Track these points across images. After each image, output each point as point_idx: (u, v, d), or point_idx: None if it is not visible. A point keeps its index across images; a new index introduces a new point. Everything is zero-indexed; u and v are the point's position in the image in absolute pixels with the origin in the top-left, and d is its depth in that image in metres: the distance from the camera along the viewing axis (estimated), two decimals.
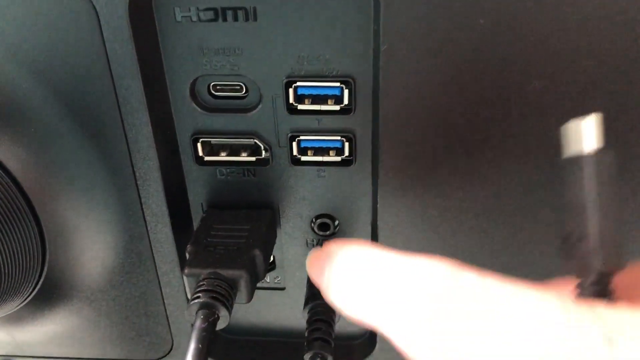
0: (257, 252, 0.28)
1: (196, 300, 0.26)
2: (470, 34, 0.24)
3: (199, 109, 0.29)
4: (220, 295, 0.26)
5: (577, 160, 0.19)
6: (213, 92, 0.28)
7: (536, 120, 0.26)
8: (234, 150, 0.30)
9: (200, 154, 0.30)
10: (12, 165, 0.28)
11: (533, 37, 0.24)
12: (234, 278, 0.27)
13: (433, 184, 0.29)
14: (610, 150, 0.19)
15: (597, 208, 0.19)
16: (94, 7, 0.25)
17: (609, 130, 0.19)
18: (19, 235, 0.29)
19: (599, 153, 0.19)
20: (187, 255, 0.29)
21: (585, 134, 0.19)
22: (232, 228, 0.30)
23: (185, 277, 0.28)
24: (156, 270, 0.32)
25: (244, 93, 0.28)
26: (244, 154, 0.30)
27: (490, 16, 0.24)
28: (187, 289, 0.28)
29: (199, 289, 0.27)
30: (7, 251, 0.29)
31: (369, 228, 0.32)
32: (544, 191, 0.28)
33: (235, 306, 0.27)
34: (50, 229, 0.30)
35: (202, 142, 0.30)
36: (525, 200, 0.28)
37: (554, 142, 0.21)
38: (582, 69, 0.25)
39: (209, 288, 0.26)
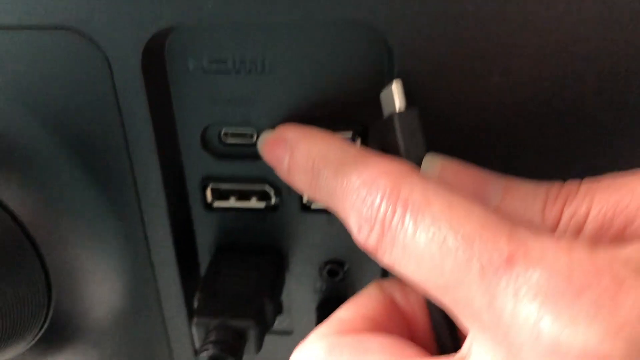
0: (266, 300, 0.28)
1: (205, 353, 0.26)
2: (482, 91, 0.24)
3: (208, 156, 0.28)
4: (230, 346, 0.26)
5: (391, 119, 0.23)
6: (223, 139, 0.28)
7: None
8: (243, 195, 0.30)
9: (209, 199, 0.30)
10: (18, 209, 0.28)
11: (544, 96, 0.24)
12: (244, 329, 0.27)
13: None
14: (414, 108, 0.23)
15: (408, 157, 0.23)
16: (106, 57, 0.25)
17: None
18: (25, 280, 0.29)
19: (406, 110, 0.23)
20: (196, 303, 0.28)
21: (395, 97, 0.23)
22: (241, 274, 0.30)
23: (193, 327, 0.27)
24: (163, 315, 0.32)
25: (255, 140, 0.28)
26: (253, 200, 0.30)
27: (507, 73, 0.24)
28: (195, 338, 0.28)
29: (208, 340, 0.26)
30: (12, 296, 0.28)
31: (379, 273, 0.32)
32: None
33: None
34: (57, 273, 0.30)
35: (212, 188, 0.29)
36: None
37: None
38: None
39: (218, 339, 0.26)
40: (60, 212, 0.29)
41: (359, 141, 0.27)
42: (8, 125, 0.27)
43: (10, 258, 0.28)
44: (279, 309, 0.34)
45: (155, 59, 0.26)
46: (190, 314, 0.32)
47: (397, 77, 0.24)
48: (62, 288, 0.30)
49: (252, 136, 0.28)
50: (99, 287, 0.31)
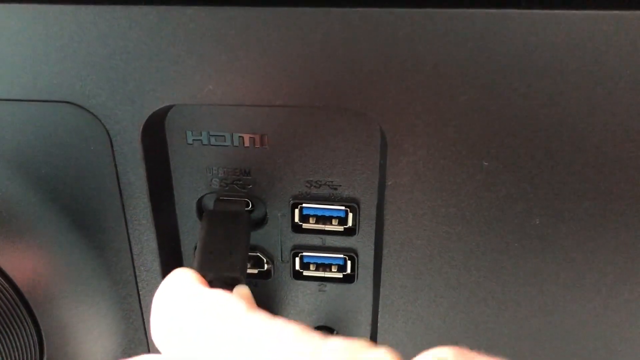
0: None
1: None
2: (475, 175, 0.25)
3: None
4: None
5: None
6: None
7: (537, 258, 0.27)
8: None
9: None
10: (13, 272, 0.29)
11: (537, 180, 0.25)
12: None
13: (434, 303, 0.29)
14: None
15: None
16: (107, 131, 0.26)
17: None
18: (18, 341, 0.29)
19: None
20: None
21: None
22: None
23: None
24: None
25: (250, 208, 0.29)
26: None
27: (493, 159, 0.25)
28: None
29: None
30: (5, 356, 0.28)
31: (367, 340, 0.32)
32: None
33: None
34: (50, 334, 0.30)
35: None
36: (525, 320, 0.29)
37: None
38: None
39: None
40: (55, 275, 0.29)
41: (350, 215, 0.28)
42: (8, 192, 0.27)
43: (3, 319, 0.28)
44: None
45: (155, 133, 0.26)
46: None
47: (390, 166, 0.25)
48: (54, 348, 0.30)
49: (248, 205, 0.29)
50: (92, 347, 0.31)
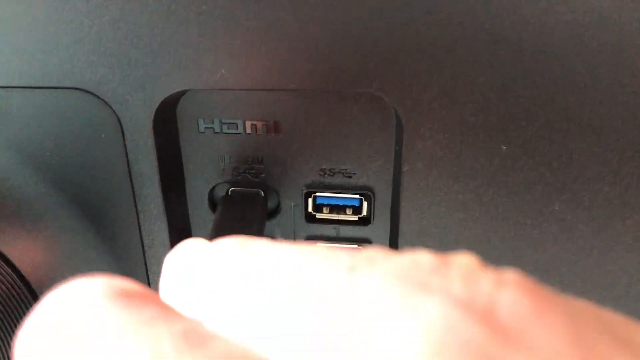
0: None
1: None
2: (493, 160, 0.24)
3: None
4: None
5: None
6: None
7: (557, 245, 0.26)
8: None
9: None
10: (24, 266, 0.28)
11: (556, 164, 0.24)
12: None
13: None
14: None
15: None
16: (118, 118, 0.25)
17: None
18: None
19: None
20: None
21: None
22: None
23: None
24: None
25: (263, 198, 0.28)
26: None
27: (512, 143, 0.24)
28: None
29: None
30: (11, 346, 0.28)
31: None
32: None
33: None
34: None
35: None
36: None
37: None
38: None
39: None
40: (64, 266, 0.29)
41: (365, 204, 0.27)
42: (17, 180, 0.27)
43: (11, 310, 0.28)
44: None
45: (166, 121, 0.26)
46: None
47: (406, 151, 0.24)
48: None
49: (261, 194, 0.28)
50: None
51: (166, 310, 0.15)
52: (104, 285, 0.16)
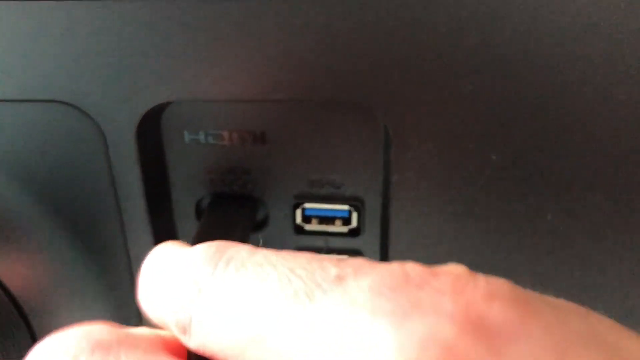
0: None
1: None
2: (483, 170, 0.24)
3: None
4: None
5: None
6: None
7: (551, 256, 0.26)
8: None
9: None
10: (8, 280, 0.28)
11: (548, 174, 0.24)
12: None
13: None
14: None
15: None
16: (101, 130, 0.25)
17: None
18: (11, 347, 0.28)
19: None
20: None
21: None
22: None
23: None
24: None
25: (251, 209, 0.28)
26: None
27: (502, 152, 0.24)
28: None
29: None
30: None
31: None
32: None
33: None
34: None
35: None
36: None
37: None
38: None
39: None
40: (49, 280, 0.28)
41: (354, 215, 0.27)
42: (1, 195, 0.27)
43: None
44: None
45: (150, 133, 0.25)
46: None
47: (395, 161, 0.24)
48: None
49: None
50: None
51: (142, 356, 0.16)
52: (80, 343, 0.17)
